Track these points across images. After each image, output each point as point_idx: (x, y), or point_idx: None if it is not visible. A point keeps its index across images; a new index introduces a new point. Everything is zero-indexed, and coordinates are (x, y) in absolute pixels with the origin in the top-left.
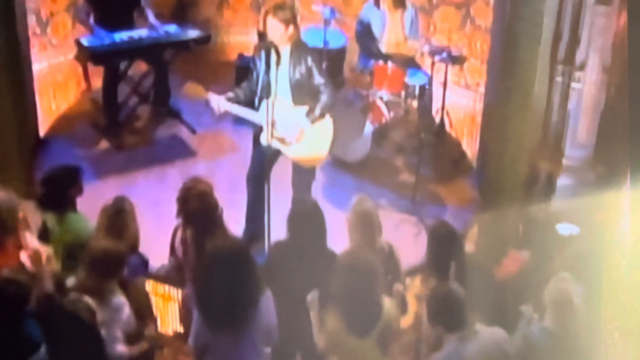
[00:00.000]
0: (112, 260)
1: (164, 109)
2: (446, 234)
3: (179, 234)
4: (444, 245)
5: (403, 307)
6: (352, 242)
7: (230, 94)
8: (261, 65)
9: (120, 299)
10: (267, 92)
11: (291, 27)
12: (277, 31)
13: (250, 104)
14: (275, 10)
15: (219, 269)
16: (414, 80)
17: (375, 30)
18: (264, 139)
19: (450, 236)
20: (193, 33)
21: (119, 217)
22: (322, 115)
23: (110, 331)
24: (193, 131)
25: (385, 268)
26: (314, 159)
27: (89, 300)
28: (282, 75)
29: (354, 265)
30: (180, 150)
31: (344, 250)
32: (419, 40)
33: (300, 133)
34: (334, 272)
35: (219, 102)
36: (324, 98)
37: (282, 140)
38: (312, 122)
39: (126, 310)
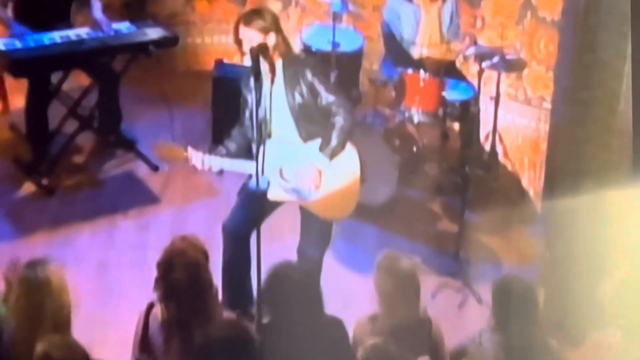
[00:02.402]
0: None
1: (114, 138)
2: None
3: (158, 315)
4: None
5: None
6: (386, 313)
7: (221, 149)
8: (253, 96)
9: None
10: (265, 131)
11: (272, 36)
12: (253, 43)
13: (246, 152)
14: (249, 17)
15: None
16: (455, 95)
17: (406, 29)
18: (269, 193)
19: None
20: (154, 32)
21: (36, 292)
22: (341, 146)
23: None
24: (155, 168)
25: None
26: (340, 210)
27: None
28: (277, 103)
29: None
30: (136, 195)
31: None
32: (461, 40)
33: (317, 176)
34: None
35: (205, 160)
36: (339, 121)
37: (295, 194)
38: (330, 157)
39: None
